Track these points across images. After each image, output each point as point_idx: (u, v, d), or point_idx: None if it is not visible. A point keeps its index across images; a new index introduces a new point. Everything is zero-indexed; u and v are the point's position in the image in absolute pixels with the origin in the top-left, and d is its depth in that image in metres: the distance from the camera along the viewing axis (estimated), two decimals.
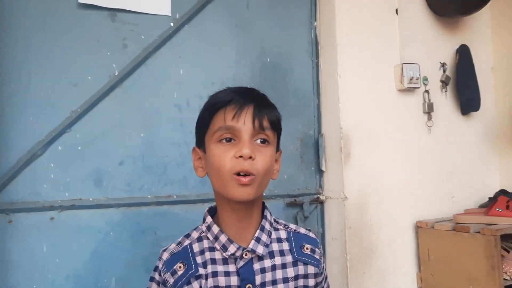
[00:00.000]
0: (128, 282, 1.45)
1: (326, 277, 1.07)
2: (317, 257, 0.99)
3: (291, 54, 1.79)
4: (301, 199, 1.74)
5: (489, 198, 1.93)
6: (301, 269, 0.95)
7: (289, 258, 0.95)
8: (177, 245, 0.96)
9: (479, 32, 2.12)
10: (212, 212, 0.98)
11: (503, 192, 1.90)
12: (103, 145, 1.44)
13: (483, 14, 2.08)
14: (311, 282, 0.97)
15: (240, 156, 0.86)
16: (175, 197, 1.53)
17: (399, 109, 1.84)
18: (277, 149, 0.98)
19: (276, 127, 0.94)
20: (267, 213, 0.97)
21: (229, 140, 0.88)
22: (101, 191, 1.43)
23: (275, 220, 1.01)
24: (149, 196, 1.49)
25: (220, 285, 0.89)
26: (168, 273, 0.92)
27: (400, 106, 1.84)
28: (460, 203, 1.98)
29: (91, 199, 1.42)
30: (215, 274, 0.90)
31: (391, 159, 1.81)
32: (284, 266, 0.93)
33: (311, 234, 1.03)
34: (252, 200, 0.91)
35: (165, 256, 0.95)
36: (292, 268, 0.94)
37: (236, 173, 0.86)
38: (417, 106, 1.90)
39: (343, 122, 1.71)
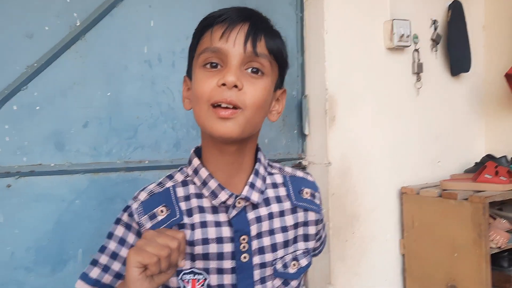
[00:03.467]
0: (95, 252, 1.33)
1: (324, 225, 0.97)
2: (317, 202, 0.89)
3: (273, 7, 1.64)
4: (283, 164, 1.64)
5: (476, 163, 1.87)
6: (300, 216, 0.85)
7: (287, 205, 0.84)
8: (157, 185, 0.82)
9: None
10: (199, 154, 0.83)
11: (489, 157, 1.84)
12: (64, 105, 1.29)
13: None
14: (312, 229, 0.86)
15: (224, 84, 0.71)
16: (146, 162, 1.40)
17: (387, 69, 1.73)
18: (280, 86, 0.83)
19: (277, 57, 0.78)
20: (260, 156, 0.84)
21: (215, 66, 0.74)
22: (63, 155, 1.30)
23: (269, 164, 0.88)
24: (117, 161, 1.36)
25: (209, 237, 0.77)
26: (146, 216, 0.78)
27: (388, 66, 1.73)
28: (445, 168, 1.91)
29: (52, 165, 1.28)
30: (203, 224, 0.77)
31: (377, 123, 1.72)
32: (282, 213, 0.82)
33: (310, 178, 0.91)
34: (243, 142, 0.77)
35: (143, 196, 0.81)
36: (291, 215, 0.83)
37: (215, 103, 0.72)
38: (406, 66, 1.79)
39: (328, 83, 1.59)
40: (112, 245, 0.81)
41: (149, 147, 1.41)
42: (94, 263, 0.82)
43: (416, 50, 1.80)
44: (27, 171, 1.25)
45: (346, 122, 1.63)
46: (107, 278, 0.80)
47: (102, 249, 0.82)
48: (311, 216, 0.86)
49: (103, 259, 0.81)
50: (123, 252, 0.80)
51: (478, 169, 1.69)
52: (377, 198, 1.72)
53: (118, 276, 0.81)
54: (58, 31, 1.27)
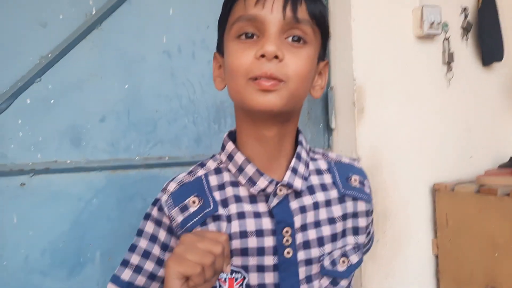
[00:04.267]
0: (115, 255, 1.26)
1: (373, 220, 0.86)
2: (367, 190, 0.80)
3: None
4: None
5: (510, 161, 1.75)
6: (349, 206, 0.75)
7: (333, 193, 0.75)
8: (188, 174, 0.74)
9: None
10: (233, 138, 0.75)
11: None
12: (80, 98, 1.22)
13: None
14: (362, 221, 0.77)
15: (263, 56, 0.63)
16: (166, 158, 1.32)
17: (417, 59, 1.63)
18: (323, 57, 0.74)
19: (320, 23, 0.69)
20: (302, 139, 0.76)
21: (251, 36, 0.66)
22: (80, 152, 1.22)
23: (310, 149, 0.79)
24: (136, 158, 1.29)
25: (248, 229, 0.69)
26: (176, 208, 0.71)
27: (418, 55, 1.64)
28: (478, 163, 1.80)
29: (68, 162, 1.21)
30: (241, 215, 0.69)
31: (407, 115, 1.62)
32: (328, 203, 0.74)
33: (357, 164, 0.82)
34: (284, 122, 0.69)
35: (172, 186, 0.73)
36: (338, 205, 0.74)
37: (254, 78, 0.64)
38: (437, 55, 1.69)
39: (356, 73, 1.50)
40: (143, 243, 0.74)
41: (169, 143, 1.33)
42: (125, 263, 0.74)
43: (446, 39, 1.70)
44: (41, 169, 1.18)
45: (375, 114, 1.54)
46: (140, 280, 0.73)
47: (133, 248, 0.75)
48: (361, 206, 0.77)
49: (135, 258, 0.74)
50: (156, 250, 0.73)
51: None
52: (409, 195, 1.62)
53: (152, 277, 0.73)
54: (73, 20, 1.21)
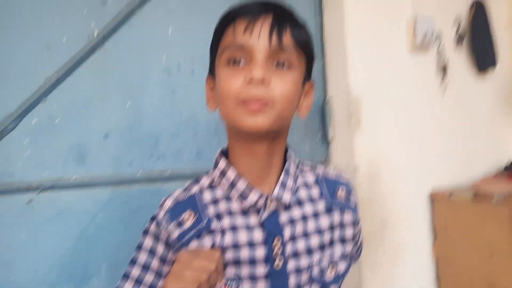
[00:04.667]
0: (121, 267, 1.27)
1: (360, 230, 0.91)
2: (353, 202, 0.84)
3: (301, 6, 1.60)
4: None
5: (505, 167, 1.79)
6: (336, 217, 0.79)
7: (321, 205, 0.79)
8: (184, 191, 0.80)
9: None
10: (225, 155, 0.80)
11: None
12: (84, 117, 1.26)
13: None
14: (349, 231, 0.81)
15: (251, 81, 0.68)
16: (168, 172, 1.37)
17: (411, 69, 1.68)
18: (308, 78, 0.79)
19: (304, 48, 0.74)
20: (291, 154, 0.81)
21: (239, 62, 0.71)
22: (84, 168, 1.27)
23: (299, 163, 0.84)
24: (139, 173, 1.33)
25: (240, 241, 0.73)
26: (173, 223, 0.76)
27: (412, 66, 1.68)
28: (476, 170, 1.85)
29: (73, 178, 1.25)
30: (233, 228, 0.74)
31: (403, 124, 1.66)
32: (316, 214, 0.78)
33: (343, 177, 0.86)
34: (273, 140, 0.74)
35: (168, 203, 0.79)
36: (326, 216, 0.78)
37: (243, 101, 0.69)
38: (431, 65, 1.74)
39: (352, 85, 1.55)
40: (143, 257, 0.79)
41: (171, 157, 1.38)
42: (126, 276, 0.80)
43: (440, 49, 1.74)
44: (48, 186, 1.22)
45: (371, 125, 1.58)
46: None
47: (133, 262, 0.80)
48: (348, 217, 0.82)
49: (135, 271, 0.79)
50: (154, 263, 0.78)
51: (510, 171, 1.62)
52: (407, 203, 1.66)
53: None
54: (76, 42, 1.25)
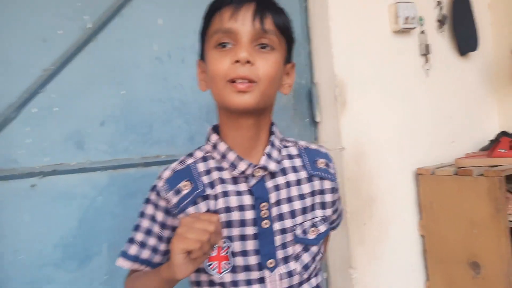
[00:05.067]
0: (120, 247, 1.34)
1: (340, 198, 0.99)
2: (332, 171, 0.92)
3: None
4: None
5: (490, 140, 1.86)
6: (316, 184, 0.88)
7: (303, 174, 0.87)
8: (179, 163, 0.88)
9: None
10: (216, 131, 0.89)
11: (504, 133, 1.83)
12: (81, 105, 1.33)
13: None
14: (328, 197, 0.90)
15: (237, 61, 0.76)
16: (163, 157, 1.44)
17: (394, 52, 1.74)
18: (289, 60, 0.87)
19: (284, 32, 0.82)
20: (275, 130, 0.89)
21: (225, 45, 0.78)
22: (83, 154, 1.34)
23: (283, 138, 0.92)
24: (135, 157, 1.40)
25: (231, 205, 0.82)
26: (171, 191, 0.84)
27: (395, 49, 1.75)
28: (460, 147, 1.91)
29: (73, 163, 1.33)
30: (225, 194, 0.82)
31: (388, 105, 1.73)
32: (298, 182, 0.86)
33: (323, 149, 0.95)
34: (259, 116, 0.82)
35: (167, 174, 0.87)
36: (307, 184, 0.87)
37: (231, 80, 0.76)
38: (413, 48, 1.80)
39: (337, 69, 1.61)
40: (145, 223, 0.87)
41: (165, 142, 1.45)
42: (131, 241, 0.88)
43: (423, 31, 1.81)
44: (49, 171, 1.29)
45: (357, 106, 1.65)
46: (145, 253, 0.87)
47: (137, 228, 0.88)
48: (327, 184, 0.90)
49: (139, 236, 0.87)
50: (156, 228, 0.86)
51: (492, 146, 1.69)
52: (393, 181, 1.73)
53: (155, 250, 0.87)
54: (71, 34, 1.32)
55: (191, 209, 0.82)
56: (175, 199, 0.84)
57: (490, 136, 1.93)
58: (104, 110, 1.36)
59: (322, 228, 0.88)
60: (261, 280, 0.82)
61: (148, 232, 0.87)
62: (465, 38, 1.89)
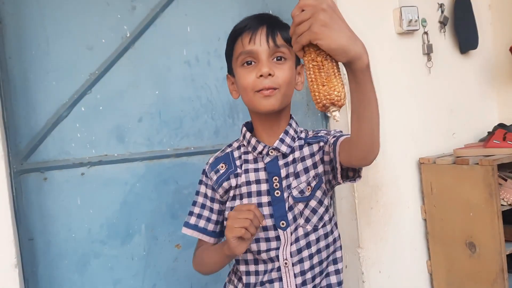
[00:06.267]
0: (156, 227, 1.59)
1: (328, 132, 1.08)
2: (323, 134, 1.06)
3: (292, 3, 1.83)
4: None
5: (488, 132, 2.02)
6: (317, 157, 1.02)
7: (306, 151, 1.04)
8: (221, 152, 1.13)
9: None
10: (248, 126, 1.10)
11: (501, 125, 1.99)
12: (122, 104, 1.54)
13: None
14: (318, 156, 1.02)
15: (261, 76, 0.96)
16: (192, 148, 1.64)
17: (399, 52, 1.90)
18: (298, 63, 1.06)
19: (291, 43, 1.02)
20: (292, 122, 1.08)
21: (250, 63, 0.99)
22: (124, 146, 1.55)
23: (298, 130, 1.08)
24: (168, 149, 1.60)
25: (251, 179, 1.04)
26: (212, 171, 1.08)
27: (400, 49, 1.91)
28: (461, 139, 2.07)
29: (116, 155, 1.53)
30: (246, 171, 1.05)
31: (394, 100, 1.89)
32: (303, 158, 1.04)
33: (323, 131, 1.08)
34: (279, 112, 1.02)
35: (211, 160, 1.12)
36: (310, 158, 1.03)
37: (258, 90, 0.97)
38: (417, 48, 1.96)
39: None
40: (200, 199, 1.12)
41: (193, 136, 1.64)
42: (191, 213, 1.13)
43: (425, 32, 1.96)
44: (96, 161, 1.50)
45: None
46: (201, 223, 1.11)
47: (194, 203, 1.13)
48: (315, 147, 1.04)
49: (196, 210, 1.12)
50: (208, 203, 1.11)
51: (488, 137, 1.85)
52: (398, 169, 1.90)
53: (209, 220, 1.11)
54: (112, 43, 1.52)
55: (225, 184, 1.06)
56: (215, 177, 1.07)
57: (489, 128, 2.08)
58: (141, 108, 1.56)
59: (314, 183, 1.03)
60: (278, 238, 1.02)
61: (203, 206, 1.11)
62: (465, 37, 2.04)
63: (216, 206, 1.11)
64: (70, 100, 1.47)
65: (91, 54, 1.50)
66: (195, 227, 1.11)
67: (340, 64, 0.76)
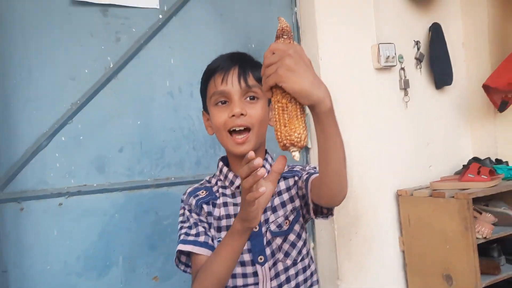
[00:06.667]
0: (134, 259, 1.56)
1: (303, 168, 1.10)
2: (298, 169, 1.08)
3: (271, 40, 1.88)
4: None
5: (463, 165, 2.08)
6: (293, 191, 1.05)
7: (282, 185, 1.05)
8: (199, 184, 1.11)
9: (450, 10, 2.24)
10: (225, 161, 1.10)
11: (475, 159, 2.05)
12: (103, 134, 1.53)
13: None
14: (293, 190, 1.05)
15: (233, 116, 0.97)
16: (173, 179, 1.63)
17: (377, 86, 1.96)
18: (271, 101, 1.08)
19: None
20: (268, 157, 1.10)
21: (223, 102, 1.00)
22: (104, 176, 1.53)
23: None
24: (148, 179, 1.60)
25: (230, 213, 1.03)
26: (191, 197, 1.06)
27: (378, 84, 1.97)
28: (437, 171, 2.12)
29: (95, 185, 1.52)
30: (225, 204, 1.04)
31: (372, 134, 1.94)
32: (279, 193, 1.05)
33: (297, 167, 1.10)
34: (254, 150, 1.00)
35: (189, 189, 1.10)
36: (286, 192, 1.05)
37: (231, 129, 0.97)
38: (394, 83, 2.03)
39: None
40: (191, 220, 1.04)
41: (174, 166, 1.65)
42: (187, 234, 1.02)
43: (402, 68, 2.03)
44: (75, 191, 1.49)
45: (344, 134, 1.84)
46: (201, 238, 1.01)
47: (184, 225, 1.05)
48: (291, 181, 1.07)
49: (191, 230, 1.02)
50: (199, 221, 1.04)
51: (463, 171, 1.90)
52: (376, 201, 1.93)
53: (206, 234, 1.02)
54: (95, 73, 1.53)
55: (204, 206, 1.04)
56: (193, 201, 1.05)
57: (464, 161, 2.14)
58: (123, 137, 1.56)
59: (291, 217, 1.04)
60: (255, 274, 1.01)
61: (195, 224, 1.03)
62: (440, 73, 2.12)
63: (207, 225, 1.04)
64: (50, 129, 1.46)
65: (73, 84, 1.50)
66: (195, 243, 1.00)
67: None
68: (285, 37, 0.76)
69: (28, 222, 1.43)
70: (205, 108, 1.09)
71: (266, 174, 1.04)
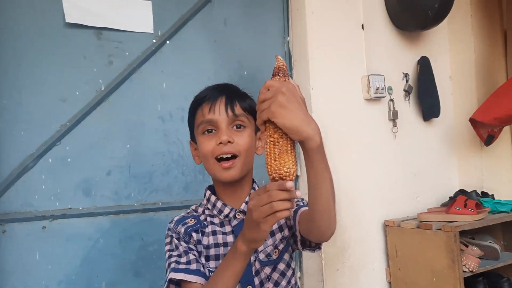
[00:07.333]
0: (117, 285, 1.53)
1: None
2: None
3: (267, 67, 1.90)
4: None
5: (450, 197, 2.09)
6: (282, 221, 1.05)
7: None
8: (185, 213, 1.09)
9: (438, 44, 2.29)
10: (211, 189, 1.09)
11: (462, 191, 2.07)
12: (91, 157, 1.52)
13: (441, 29, 2.25)
14: (282, 220, 1.05)
15: (221, 143, 0.98)
16: (160, 204, 1.62)
17: (366, 117, 1.98)
18: (258, 129, 1.07)
19: (250, 112, 1.04)
20: (255, 186, 1.10)
21: (210, 131, 1.01)
22: (90, 200, 1.51)
23: None
24: (135, 204, 1.58)
25: (219, 241, 1.02)
26: (180, 225, 1.03)
27: (367, 114, 1.99)
28: (424, 202, 2.14)
29: (80, 208, 1.49)
30: (214, 233, 1.03)
31: (360, 164, 1.95)
32: None
33: None
34: (241, 178, 1.02)
35: (176, 217, 1.07)
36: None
37: (218, 157, 0.98)
38: (383, 114, 2.05)
39: None
40: (180, 248, 1.01)
41: (162, 191, 1.63)
42: (177, 262, 0.99)
43: (391, 100, 2.06)
44: (59, 214, 1.46)
45: (332, 164, 1.84)
46: (193, 266, 0.98)
47: (170, 253, 1.02)
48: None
49: (182, 258, 0.99)
50: (189, 249, 1.00)
51: (450, 203, 1.91)
52: (364, 231, 1.93)
53: (198, 262, 0.98)
54: (86, 95, 1.52)
55: (194, 234, 1.02)
56: (182, 229, 1.03)
57: (450, 193, 2.16)
58: (111, 161, 1.55)
59: (281, 247, 1.05)
60: None
61: (186, 252, 0.99)
62: (428, 106, 2.16)
63: (197, 253, 1.01)
64: (37, 151, 1.44)
65: (63, 106, 1.49)
66: (187, 271, 0.96)
67: None
68: (281, 75, 0.79)
69: (9, 245, 1.39)
70: (193, 138, 1.09)
71: None
